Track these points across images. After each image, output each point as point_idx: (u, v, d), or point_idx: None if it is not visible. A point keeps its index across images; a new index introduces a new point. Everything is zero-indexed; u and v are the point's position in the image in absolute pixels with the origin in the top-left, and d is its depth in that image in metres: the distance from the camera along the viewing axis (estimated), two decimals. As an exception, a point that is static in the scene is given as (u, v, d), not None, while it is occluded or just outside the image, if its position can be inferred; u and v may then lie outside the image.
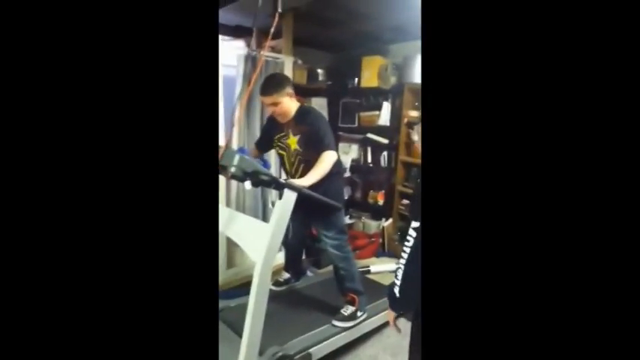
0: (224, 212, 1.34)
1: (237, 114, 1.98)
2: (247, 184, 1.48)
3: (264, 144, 1.95)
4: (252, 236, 1.24)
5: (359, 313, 1.80)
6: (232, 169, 1.19)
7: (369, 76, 2.99)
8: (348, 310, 1.79)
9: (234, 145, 2.27)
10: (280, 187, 1.25)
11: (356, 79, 3.11)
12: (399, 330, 1.04)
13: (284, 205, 1.18)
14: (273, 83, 1.70)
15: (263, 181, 1.25)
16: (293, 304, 1.95)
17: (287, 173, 1.90)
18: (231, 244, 2.38)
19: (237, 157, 1.21)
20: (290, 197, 1.18)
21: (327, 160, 1.60)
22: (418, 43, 2.42)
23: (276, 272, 2.16)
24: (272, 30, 1.37)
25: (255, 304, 1.17)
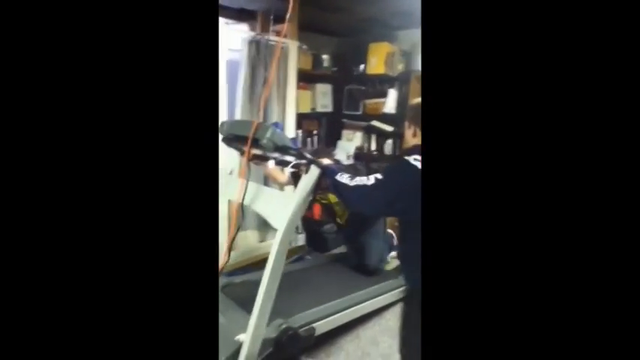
0: (250, 187, 1.38)
1: (262, 99, 2.21)
2: (270, 163, 1.53)
3: None
4: (276, 205, 1.30)
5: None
6: (264, 141, 1.23)
7: (376, 63, 2.98)
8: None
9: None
10: (307, 163, 1.30)
11: (362, 66, 3.09)
12: None
13: (309, 179, 1.24)
14: None
15: (288, 159, 1.31)
16: (299, 282, 1.98)
17: None
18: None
19: (270, 130, 1.25)
20: (314, 172, 1.24)
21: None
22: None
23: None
24: (287, 16, 1.37)
25: (272, 272, 1.22)
